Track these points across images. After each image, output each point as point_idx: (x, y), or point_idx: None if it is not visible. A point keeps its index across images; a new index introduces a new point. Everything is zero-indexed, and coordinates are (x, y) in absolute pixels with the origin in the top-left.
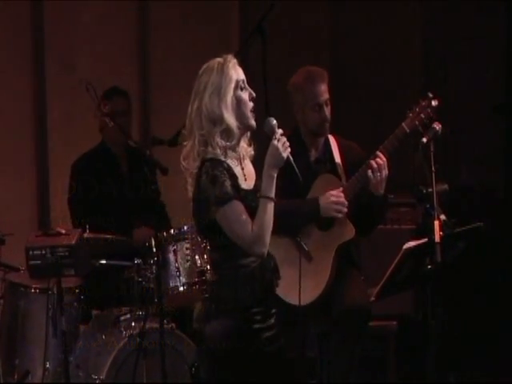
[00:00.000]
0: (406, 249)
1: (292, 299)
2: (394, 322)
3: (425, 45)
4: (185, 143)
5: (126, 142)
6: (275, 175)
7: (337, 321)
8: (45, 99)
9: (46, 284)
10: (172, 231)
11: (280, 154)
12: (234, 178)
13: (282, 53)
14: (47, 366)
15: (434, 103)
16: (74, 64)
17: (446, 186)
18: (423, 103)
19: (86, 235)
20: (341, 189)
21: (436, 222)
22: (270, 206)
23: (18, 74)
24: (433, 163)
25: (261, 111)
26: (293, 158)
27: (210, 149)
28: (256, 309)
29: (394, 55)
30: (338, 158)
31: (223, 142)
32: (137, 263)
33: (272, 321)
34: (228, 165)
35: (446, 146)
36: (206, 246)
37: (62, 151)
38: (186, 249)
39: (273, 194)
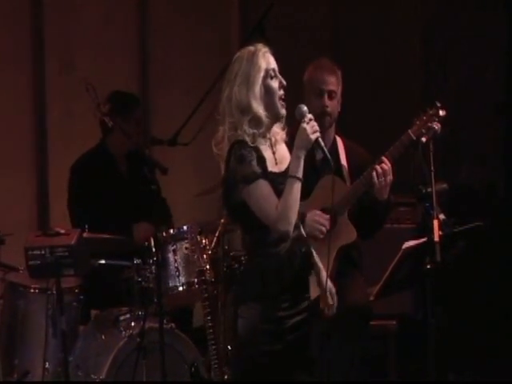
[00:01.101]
0: (405, 248)
1: None
2: (394, 322)
3: (425, 44)
4: (220, 128)
5: (132, 147)
6: (303, 156)
7: (337, 320)
8: (44, 99)
9: (46, 284)
10: (171, 231)
11: (308, 135)
12: (261, 159)
13: (282, 52)
14: (47, 365)
15: (441, 113)
16: (73, 63)
17: (445, 186)
18: (431, 112)
19: (85, 235)
20: (328, 216)
21: (435, 222)
22: (297, 186)
23: (17, 74)
24: (432, 163)
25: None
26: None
27: (239, 132)
28: (284, 296)
29: (394, 55)
30: (343, 160)
31: (251, 130)
32: (136, 263)
33: (304, 304)
34: (257, 147)
35: (445, 145)
36: (205, 246)
37: (62, 151)
38: (186, 248)
39: (300, 174)
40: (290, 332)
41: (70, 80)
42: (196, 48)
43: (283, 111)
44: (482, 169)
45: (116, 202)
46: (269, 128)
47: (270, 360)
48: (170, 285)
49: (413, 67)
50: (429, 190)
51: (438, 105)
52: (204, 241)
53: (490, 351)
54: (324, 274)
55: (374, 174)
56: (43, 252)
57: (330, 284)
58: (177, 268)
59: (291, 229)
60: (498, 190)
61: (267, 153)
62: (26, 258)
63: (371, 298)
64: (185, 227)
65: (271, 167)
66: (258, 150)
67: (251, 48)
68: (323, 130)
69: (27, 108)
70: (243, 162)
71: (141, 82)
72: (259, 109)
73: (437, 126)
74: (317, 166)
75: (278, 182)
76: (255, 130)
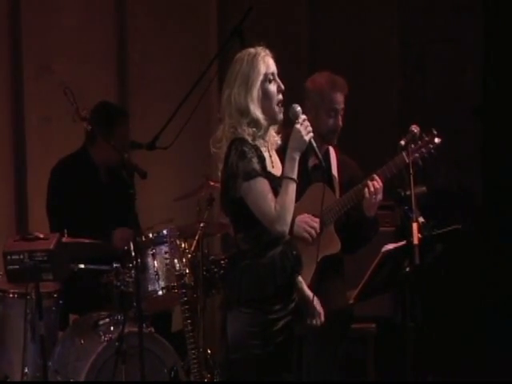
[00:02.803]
0: (384, 251)
1: None
2: (373, 325)
3: (402, 47)
4: (220, 127)
5: (114, 161)
6: (297, 158)
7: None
8: (22, 103)
9: (25, 289)
10: (151, 235)
11: (302, 137)
12: (261, 158)
13: None
14: (26, 370)
15: (436, 140)
16: (51, 67)
17: (424, 189)
18: (426, 138)
19: (64, 240)
20: (317, 219)
21: (414, 225)
22: (292, 187)
23: None
24: (411, 166)
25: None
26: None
27: (239, 131)
28: (275, 299)
29: (371, 58)
30: (334, 171)
31: (251, 130)
32: (115, 267)
33: (291, 306)
34: (257, 146)
35: None
36: (184, 250)
37: (40, 155)
38: (165, 252)
39: (295, 175)
40: (279, 334)
41: (47, 84)
42: (174, 53)
43: (280, 116)
44: (459, 172)
45: (95, 206)
46: (267, 130)
47: (261, 363)
48: (150, 289)
49: (390, 70)
50: (408, 193)
51: (435, 132)
52: (183, 245)
53: (468, 351)
54: (305, 286)
55: (367, 190)
56: (22, 257)
57: (310, 293)
58: (156, 272)
59: (287, 229)
60: (475, 192)
61: (266, 154)
62: (4, 262)
63: (351, 301)
64: (164, 231)
65: (269, 168)
66: (258, 149)
67: (252, 50)
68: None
69: (5, 111)
70: (244, 158)
71: (119, 87)
72: (257, 112)
73: (416, 128)
74: (308, 172)
75: (276, 183)
76: (254, 129)
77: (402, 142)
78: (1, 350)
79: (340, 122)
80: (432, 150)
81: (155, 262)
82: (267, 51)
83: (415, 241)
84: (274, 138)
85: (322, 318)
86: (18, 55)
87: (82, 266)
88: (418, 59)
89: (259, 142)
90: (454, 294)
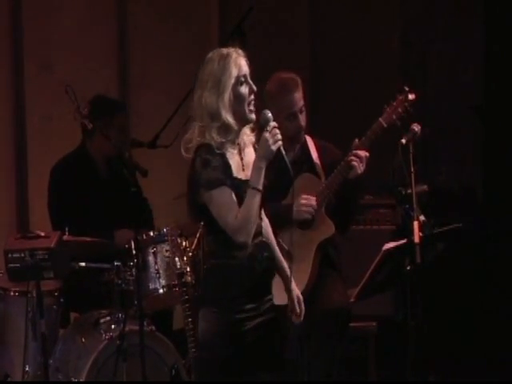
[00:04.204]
0: (385, 250)
1: (276, 300)
2: (374, 323)
3: (403, 47)
4: (192, 123)
5: (111, 152)
6: (264, 167)
7: (316, 322)
8: (23, 101)
9: (26, 287)
10: (152, 233)
11: (270, 146)
12: (227, 166)
13: (261, 54)
14: (27, 369)
15: (410, 97)
16: (52, 66)
17: (425, 187)
18: (400, 97)
19: (65, 238)
20: (314, 197)
21: (415, 223)
22: (257, 197)
23: None
24: (412, 164)
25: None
26: (270, 161)
27: (207, 137)
28: (245, 299)
29: (373, 56)
30: (316, 158)
31: (220, 139)
32: (116, 266)
33: (266, 306)
34: (223, 153)
35: (425, 146)
36: (185, 248)
37: (41, 154)
38: (166, 251)
39: (260, 186)
40: (251, 334)
41: (48, 83)
42: (175, 50)
43: (252, 116)
44: (460, 170)
45: (95, 204)
46: (238, 133)
47: (231, 362)
48: (151, 287)
49: (391, 69)
50: (409, 191)
51: (407, 89)
52: (184, 243)
53: (471, 352)
54: (292, 282)
55: (354, 162)
56: (23, 255)
57: (297, 291)
58: (157, 270)
59: (249, 240)
60: (476, 191)
61: (234, 159)
62: (5, 260)
63: (351, 300)
64: (165, 230)
65: (238, 173)
66: (223, 157)
67: (223, 51)
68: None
69: (6, 110)
70: (208, 167)
71: (120, 85)
72: (228, 116)
73: (417, 127)
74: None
75: (243, 189)
76: (223, 140)
77: (403, 141)
78: (2, 348)
79: (301, 123)
80: (408, 108)
81: (156, 261)
82: (239, 52)
83: (416, 239)
84: (248, 136)
85: (301, 318)
86: (18, 54)
87: (83, 264)
88: (419, 58)
89: (228, 147)
90: (454, 292)
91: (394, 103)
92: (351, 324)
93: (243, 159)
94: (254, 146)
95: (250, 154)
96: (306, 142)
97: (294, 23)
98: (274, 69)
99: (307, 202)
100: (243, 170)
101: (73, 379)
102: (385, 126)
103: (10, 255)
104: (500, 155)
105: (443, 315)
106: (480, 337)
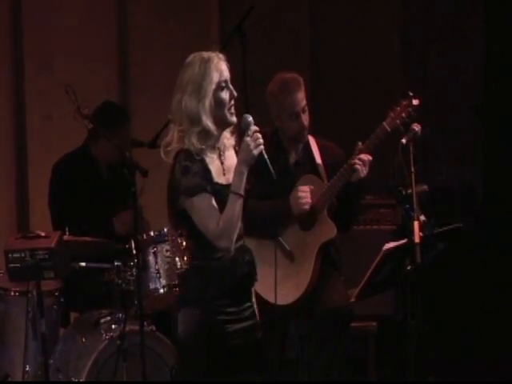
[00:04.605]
0: (385, 250)
1: (273, 298)
2: (374, 323)
3: (403, 46)
4: (171, 125)
5: (116, 159)
6: (246, 172)
7: (317, 322)
8: (23, 101)
9: (26, 287)
10: (152, 233)
11: (251, 150)
12: (206, 171)
13: (262, 54)
14: (27, 369)
15: (414, 102)
16: (52, 66)
17: (425, 187)
18: (404, 102)
19: (65, 238)
20: (308, 187)
21: (416, 223)
22: (239, 202)
23: None
24: (412, 164)
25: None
26: (271, 160)
27: (186, 142)
28: (225, 301)
29: (373, 56)
30: (318, 159)
31: (199, 145)
32: (117, 265)
33: (246, 314)
34: (202, 159)
35: (425, 146)
36: (185, 248)
37: (41, 153)
38: (166, 251)
39: (242, 191)
40: (235, 337)
41: (48, 83)
42: (175, 50)
43: (233, 119)
44: (460, 170)
45: (96, 203)
46: (218, 138)
47: (211, 363)
48: (151, 287)
49: (391, 68)
50: (409, 191)
51: (411, 94)
52: (184, 243)
53: (472, 352)
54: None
55: (358, 166)
56: (23, 255)
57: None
58: (157, 270)
59: (232, 246)
60: (476, 191)
61: (215, 164)
62: (5, 260)
63: (352, 300)
64: (165, 229)
65: (218, 178)
66: (203, 162)
67: (204, 55)
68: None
69: (6, 110)
70: (187, 174)
71: (120, 85)
72: (208, 122)
73: (417, 127)
74: (290, 168)
75: (225, 193)
76: (203, 146)
77: (404, 141)
78: (2, 348)
79: (304, 122)
80: (412, 113)
81: (156, 261)
82: (221, 56)
83: (416, 239)
84: (228, 140)
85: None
86: (19, 54)
87: (84, 264)
88: (420, 58)
89: (208, 152)
90: (455, 292)
91: (398, 108)
92: (352, 324)
93: (224, 163)
94: (234, 149)
95: (231, 158)
96: (308, 142)
97: (294, 23)
98: (274, 69)
99: (301, 192)
100: (224, 174)
101: (73, 379)
102: (388, 130)
103: (10, 255)
104: (500, 155)
105: (443, 315)
106: (480, 337)
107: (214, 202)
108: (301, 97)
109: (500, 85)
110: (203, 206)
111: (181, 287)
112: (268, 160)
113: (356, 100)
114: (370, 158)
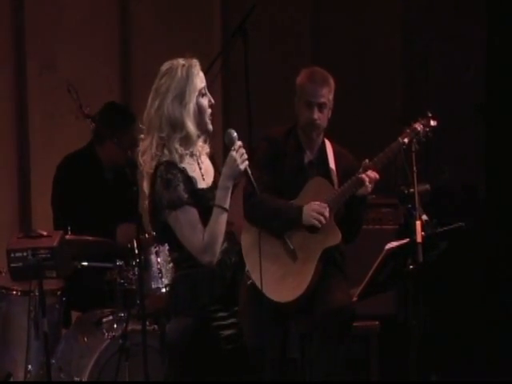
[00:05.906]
0: (387, 249)
1: (274, 295)
2: (377, 322)
3: (405, 45)
4: (142, 136)
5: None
6: (231, 186)
7: (319, 321)
8: (25, 100)
9: (28, 286)
10: (154, 233)
11: (237, 165)
12: (189, 181)
13: (263, 54)
14: (29, 368)
15: (432, 123)
16: (54, 65)
17: (427, 186)
18: (422, 121)
19: (67, 237)
20: (326, 204)
21: (418, 223)
22: (223, 216)
23: None
24: (414, 164)
25: (242, 111)
26: (288, 157)
27: (166, 152)
28: (216, 307)
29: (375, 55)
30: (332, 164)
31: (182, 150)
32: (119, 265)
33: (233, 320)
34: (184, 168)
35: (427, 146)
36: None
37: (43, 153)
38: (168, 250)
39: (227, 205)
40: (226, 343)
41: (51, 81)
42: (177, 50)
43: (210, 127)
44: (462, 169)
45: (99, 203)
46: (196, 144)
47: (206, 370)
48: (153, 286)
49: (393, 68)
50: (411, 190)
51: (430, 115)
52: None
53: (474, 351)
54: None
55: (365, 180)
56: (25, 254)
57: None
58: (159, 270)
59: (215, 260)
60: (478, 190)
61: (195, 171)
62: (7, 260)
63: (354, 299)
64: None
65: (200, 184)
66: (184, 172)
67: (183, 62)
68: (309, 135)
69: (8, 109)
70: (169, 188)
71: (122, 84)
72: (191, 127)
73: (419, 126)
74: (305, 168)
75: (208, 198)
76: (186, 151)
77: (406, 140)
78: (4, 347)
79: (315, 116)
80: (429, 133)
81: (158, 260)
82: (198, 63)
83: (418, 239)
84: (201, 147)
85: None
86: (21, 53)
87: (86, 263)
88: (421, 57)
89: (188, 159)
90: (456, 291)
91: (415, 125)
92: (354, 323)
93: (201, 168)
94: (209, 158)
95: (206, 162)
96: (324, 145)
97: (295, 23)
98: (276, 68)
99: (319, 209)
100: (203, 179)
101: (75, 378)
102: (404, 146)
103: (12, 254)
104: (502, 154)
105: (445, 314)
106: (481, 337)
107: (197, 215)
108: (323, 92)
109: (502, 84)
110: (186, 220)
111: (170, 297)
112: (252, 176)
113: (356, 100)
114: (378, 177)
